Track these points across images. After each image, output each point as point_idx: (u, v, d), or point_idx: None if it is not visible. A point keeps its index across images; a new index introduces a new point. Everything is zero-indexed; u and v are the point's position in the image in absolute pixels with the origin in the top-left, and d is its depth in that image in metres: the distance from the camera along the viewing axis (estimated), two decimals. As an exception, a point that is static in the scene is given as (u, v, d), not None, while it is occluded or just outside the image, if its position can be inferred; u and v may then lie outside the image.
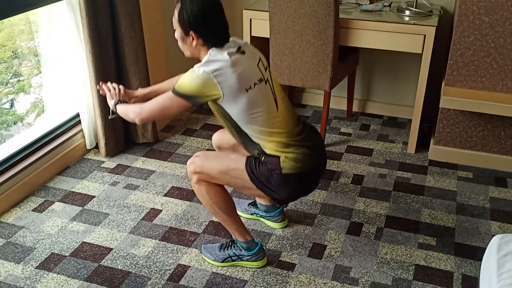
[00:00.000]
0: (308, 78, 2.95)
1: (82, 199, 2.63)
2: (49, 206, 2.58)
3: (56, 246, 2.30)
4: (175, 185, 2.76)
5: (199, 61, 1.90)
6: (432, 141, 3.04)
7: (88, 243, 2.33)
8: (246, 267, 2.20)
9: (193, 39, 1.87)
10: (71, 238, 2.35)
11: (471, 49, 2.68)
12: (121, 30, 2.79)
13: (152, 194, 2.68)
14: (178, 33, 1.91)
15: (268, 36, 2.96)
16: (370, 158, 3.02)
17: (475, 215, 2.52)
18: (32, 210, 2.54)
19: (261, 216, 2.45)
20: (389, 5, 3.08)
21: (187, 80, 1.83)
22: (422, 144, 3.12)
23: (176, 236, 2.38)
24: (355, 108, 3.61)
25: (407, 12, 2.93)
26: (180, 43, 1.94)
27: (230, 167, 1.98)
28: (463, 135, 2.91)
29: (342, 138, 3.26)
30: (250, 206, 2.48)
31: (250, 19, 3.08)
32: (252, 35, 3.11)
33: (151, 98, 2.01)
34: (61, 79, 2.96)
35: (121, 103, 2.10)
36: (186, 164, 2.93)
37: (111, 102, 2.12)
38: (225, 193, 2.08)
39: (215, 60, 1.82)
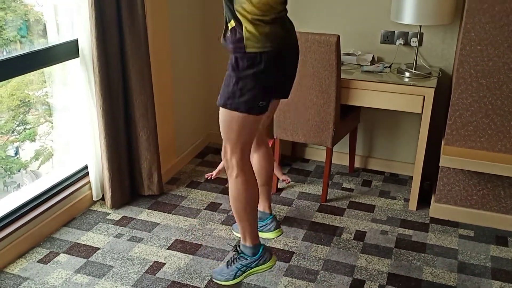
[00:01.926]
0: (310, 135, 3.04)
1: (87, 251, 2.66)
2: (54, 257, 2.60)
3: (60, 298, 2.32)
4: (179, 238, 2.79)
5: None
6: (433, 199, 3.08)
7: (91, 296, 2.34)
8: (259, 274, 2.21)
9: None
10: (74, 291, 2.37)
11: (469, 110, 2.76)
12: (131, 86, 2.90)
13: (155, 247, 2.71)
14: None
15: (273, 94, 3.06)
16: (372, 214, 3.06)
17: (476, 274, 2.53)
18: (37, 261, 2.57)
19: None
20: (390, 67, 3.20)
21: None
22: (423, 201, 3.16)
23: (179, 290, 2.39)
24: (357, 164, 3.67)
25: (407, 74, 3.04)
26: None
27: (234, 124, 2.05)
28: (463, 193, 2.95)
29: (344, 193, 3.31)
30: None
31: (256, 78, 3.19)
32: (257, 92, 3.21)
33: None
34: (70, 131, 3.05)
35: None
36: (189, 217, 2.98)
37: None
38: (258, 193, 2.16)
39: None
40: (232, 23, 1.97)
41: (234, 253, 2.25)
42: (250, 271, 2.21)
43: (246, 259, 2.19)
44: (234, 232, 2.71)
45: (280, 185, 3.33)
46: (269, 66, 1.97)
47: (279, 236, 2.45)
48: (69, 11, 2.73)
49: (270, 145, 2.82)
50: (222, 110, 2.06)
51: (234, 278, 2.21)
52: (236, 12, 1.94)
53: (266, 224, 2.45)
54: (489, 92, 2.70)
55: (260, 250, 2.19)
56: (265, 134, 2.47)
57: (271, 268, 2.23)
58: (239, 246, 2.25)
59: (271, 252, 2.23)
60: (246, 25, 1.92)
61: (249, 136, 2.09)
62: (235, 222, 2.83)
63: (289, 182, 2.92)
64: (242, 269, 2.20)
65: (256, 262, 2.18)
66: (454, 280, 2.49)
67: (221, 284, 2.26)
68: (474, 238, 2.84)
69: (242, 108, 2.00)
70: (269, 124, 2.46)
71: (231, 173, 2.12)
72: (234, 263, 2.22)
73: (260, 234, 2.44)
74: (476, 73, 2.69)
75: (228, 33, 1.99)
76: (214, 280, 2.28)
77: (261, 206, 2.46)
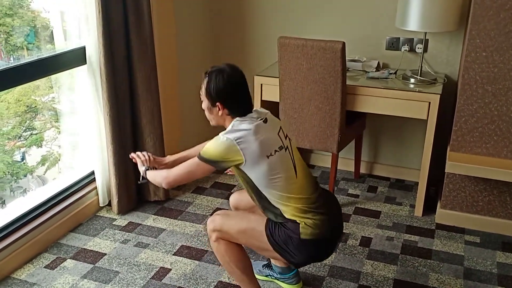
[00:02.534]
0: (316, 141, 3.04)
1: (93, 257, 2.67)
2: (61, 263, 2.62)
3: (67, 304, 2.33)
4: (185, 244, 2.80)
5: (221, 128, 2.02)
6: (439, 205, 3.08)
7: (98, 301, 2.35)
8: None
9: (219, 109, 2.01)
10: (81, 296, 2.38)
11: (475, 116, 2.77)
12: (138, 93, 2.92)
13: (161, 252, 2.72)
14: (205, 104, 2.07)
15: (278, 101, 3.08)
16: (378, 221, 3.06)
17: (483, 281, 2.53)
18: (45, 267, 2.58)
19: (276, 278, 2.47)
20: (395, 73, 3.21)
21: (212, 146, 1.95)
22: (429, 207, 3.16)
23: (185, 296, 2.40)
24: (362, 170, 3.67)
25: (412, 80, 3.05)
26: (207, 113, 2.09)
27: (250, 227, 2.05)
28: (469, 199, 2.95)
29: (350, 199, 3.31)
30: (264, 267, 2.51)
31: (261, 84, 3.21)
32: (263, 99, 3.23)
33: (179, 164, 2.12)
34: (77, 136, 3.07)
35: (150, 169, 2.22)
36: (195, 223, 2.99)
37: (141, 168, 2.23)
38: (243, 253, 2.13)
39: (238, 129, 1.95)
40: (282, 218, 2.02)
41: None
42: None
43: None
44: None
45: None
46: (318, 250, 2.05)
47: None
48: (76, 18, 2.75)
49: None
50: (261, 232, 2.04)
51: None
52: (283, 213, 2.01)
53: (289, 277, 2.45)
54: (494, 98, 2.71)
55: None
56: None
57: None
58: None
59: None
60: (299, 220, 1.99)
61: (246, 244, 2.12)
62: None
63: None
64: None
65: None
66: (460, 287, 2.48)
67: None
68: (480, 244, 2.83)
69: (272, 242, 2.02)
70: None
71: (210, 237, 2.12)
72: None
73: (281, 284, 2.47)
74: (482, 79, 2.69)
75: (280, 222, 2.03)
76: None
77: (278, 262, 2.46)
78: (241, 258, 2.12)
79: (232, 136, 1.92)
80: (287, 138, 2.07)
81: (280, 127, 2.07)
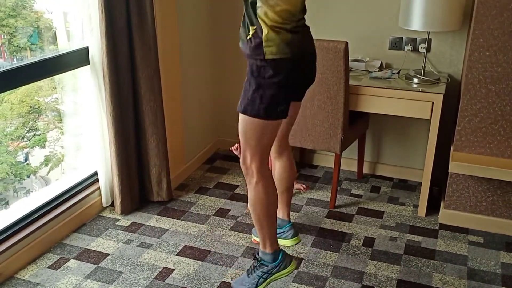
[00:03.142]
0: (319, 141, 3.04)
1: (96, 257, 2.67)
2: (65, 263, 2.62)
3: (70, 304, 2.34)
4: (188, 244, 2.80)
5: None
6: (442, 205, 3.07)
7: (101, 302, 2.36)
8: (281, 280, 2.22)
9: None
10: (84, 297, 2.39)
11: (478, 116, 2.76)
12: (141, 93, 2.93)
13: (165, 253, 2.72)
14: None
15: (281, 101, 3.07)
16: (381, 221, 3.05)
17: (487, 281, 2.52)
18: (48, 267, 2.59)
19: None
20: (398, 73, 3.20)
21: None
22: (432, 208, 3.15)
23: (188, 296, 2.40)
24: (365, 170, 3.67)
25: (415, 80, 3.05)
26: None
27: (253, 128, 2.06)
28: (472, 199, 2.94)
29: (353, 200, 3.31)
30: None
31: (264, 84, 3.20)
32: (266, 99, 3.22)
33: None
34: (80, 137, 3.08)
35: None
36: (198, 223, 2.99)
37: None
38: (277, 199, 2.18)
39: None
40: (253, 29, 1.98)
41: (254, 261, 2.25)
42: (272, 277, 2.21)
43: (267, 266, 2.19)
44: (254, 237, 2.71)
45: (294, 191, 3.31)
46: (288, 73, 1.99)
47: (296, 244, 2.45)
48: (78, 19, 2.76)
49: None
50: (242, 117, 2.07)
51: (256, 287, 2.21)
52: (258, 18, 1.95)
53: (284, 231, 2.45)
54: (498, 98, 2.70)
55: (280, 256, 2.19)
56: (286, 141, 2.47)
57: (291, 272, 2.23)
58: (258, 254, 2.25)
59: (290, 257, 2.24)
60: (266, 31, 1.94)
61: (268, 142, 2.11)
62: (253, 227, 2.84)
63: (305, 190, 2.89)
64: (263, 277, 2.20)
65: (277, 268, 2.19)
66: (464, 287, 2.48)
67: None
68: (484, 244, 2.83)
69: (262, 114, 2.01)
70: (290, 132, 2.47)
71: (250, 179, 2.13)
72: (254, 271, 2.22)
73: (279, 242, 2.45)
74: (485, 79, 2.69)
75: (248, 38, 2.00)
76: None
77: (280, 213, 2.46)
78: (277, 202, 2.16)
79: None
80: None
81: None
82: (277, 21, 1.94)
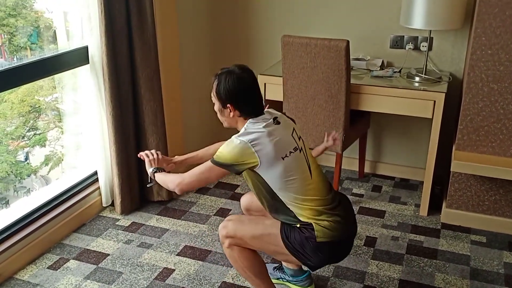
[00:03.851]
0: (320, 140, 3.01)
1: (96, 257, 2.66)
2: (64, 263, 2.61)
3: (70, 305, 2.32)
4: (188, 244, 2.78)
5: (235, 131, 1.99)
6: (444, 204, 3.05)
7: (101, 302, 2.34)
8: (283, 281, 2.21)
9: (230, 111, 1.97)
10: (84, 297, 2.37)
11: (480, 115, 2.74)
12: (141, 93, 2.91)
13: (165, 253, 2.71)
14: (216, 106, 2.03)
15: (282, 100, 3.06)
16: (383, 220, 3.03)
17: (489, 281, 2.50)
18: (47, 268, 2.57)
19: (287, 281, 2.44)
20: (399, 71, 3.19)
21: (226, 150, 1.91)
22: (434, 207, 3.13)
23: (189, 297, 2.38)
24: (366, 169, 3.65)
25: (417, 79, 3.03)
26: (219, 115, 2.05)
27: (265, 232, 2.02)
28: (475, 199, 2.92)
29: (354, 199, 3.29)
30: (276, 270, 2.48)
31: (265, 84, 3.19)
32: (266, 98, 3.21)
33: (188, 164, 2.07)
34: (80, 136, 3.07)
35: (159, 171, 2.16)
36: (199, 223, 2.98)
37: (149, 170, 2.18)
38: (258, 258, 2.10)
39: (252, 131, 1.92)
40: (296, 222, 1.99)
41: None
42: None
43: None
44: None
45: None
46: (332, 255, 2.04)
47: None
48: (78, 18, 2.74)
49: None
50: (276, 235, 2.01)
51: None
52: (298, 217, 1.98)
53: (301, 280, 2.42)
54: (500, 97, 2.68)
55: None
56: None
57: None
58: None
59: None
60: (311, 223, 1.96)
61: (259, 246, 2.08)
62: None
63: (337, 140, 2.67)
64: None
65: None
66: (466, 287, 2.46)
67: None
68: (487, 244, 2.81)
69: (288, 246, 2.00)
70: None
71: (222, 243, 2.09)
72: None
73: (293, 287, 2.44)
74: (487, 77, 2.67)
75: (298, 227, 1.99)
76: None
77: (290, 265, 2.43)
78: (255, 263, 2.09)
79: (246, 139, 1.89)
80: (301, 140, 2.04)
81: (294, 128, 2.04)
82: (313, 214, 1.96)
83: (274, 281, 2.45)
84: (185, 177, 2.02)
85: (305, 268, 2.45)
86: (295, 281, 2.42)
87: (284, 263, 2.44)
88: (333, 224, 1.96)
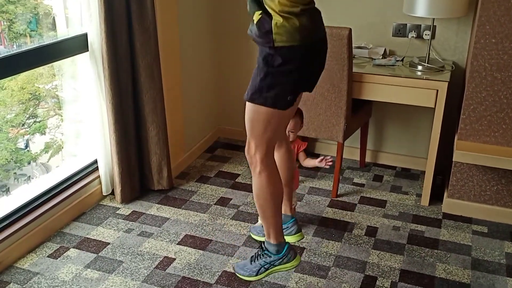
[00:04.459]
0: (321, 130, 3.00)
1: (96, 246, 2.65)
2: (64, 252, 2.60)
3: (70, 293, 2.32)
4: (189, 233, 2.77)
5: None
6: (445, 194, 3.04)
7: (101, 291, 2.34)
8: (282, 272, 2.21)
9: None
10: (85, 286, 2.36)
11: (483, 104, 2.72)
12: (140, 81, 2.89)
13: (165, 242, 2.70)
14: None
15: (283, 88, 3.03)
16: (384, 210, 3.02)
17: (491, 271, 2.50)
18: (48, 256, 2.57)
19: None
20: (402, 60, 3.16)
21: None
22: (436, 197, 3.12)
23: (189, 286, 2.38)
24: (368, 159, 3.63)
25: (420, 67, 3.00)
26: None
27: (258, 118, 2.00)
28: (477, 189, 2.91)
29: (355, 188, 3.28)
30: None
31: (266, 72, 3.16)
32: (268, 86, 3.18)
33: None
34: (80, 125, 3.05)
35: None
36: (199, 212, 2.97)
37: None
38: (282, 188, 2.13)
39: None
40: (257, 15, 1.90)
41: (259, 249, 2.23)
42: (273, 269, 2.18)
43: (270, 257, 2.16)
44: (252, 235, 2.66)
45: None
46: (299, 61, 1.92)
47: (299, 240, 2.40)
48: (78, 5, 2.71)
49: (304, 147, 2.78)
50: (248, 105, 2.01)
51: (256, 275, 2.19)
52: (264, 3, 1.88)
53: (287, 227, 2.40)
54: (504, 86, 2.65)
55: (285, 249, 2.16)
56: (284, 133, 2.41)
57: (294, 267, 2.20)
58: (263, 243, 2.22)
59: (295, 251, 2.20)
60: (275, 17, 1.85)
61: (275, 132, 2.04)
62: (254, 223, 2.81)
63: (329, 162, 2.71)
64: (265, 266, 2.17)
65: (280, 260, 2.16)
66: (468, 277, 2.45)
67: (241, 278, 2.24)
68: (488, 234, 2.80)
69: (269, 103, 1.95)
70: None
71: (254, 169, 2.08)
72: (257, 260, 2.19)
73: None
74: (491, 66, 2.64)
75: (254, 25, 1.92)
76: (236, 273, 2.26)
77: (282, 208, 2.42)
78: (281, 193, 2.12)
79: None
80: None
81: None
82: (285, 5, 1.84)
83: (262, 239, 2.40)
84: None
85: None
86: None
87: None
88: (299, 24, 1.86)
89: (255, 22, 1.92)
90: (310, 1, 1.95)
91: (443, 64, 3.06)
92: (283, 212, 2.39)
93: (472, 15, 3.07)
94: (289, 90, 1.96)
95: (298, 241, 2.40)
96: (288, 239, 2.39)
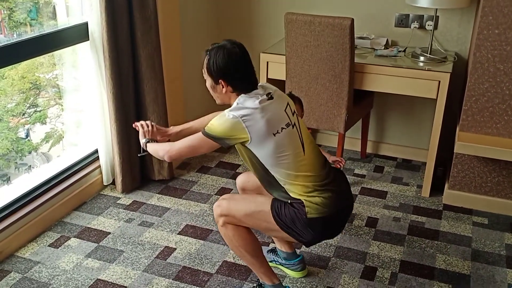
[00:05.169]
0: (323, 120, 3.00)
1: (97, 235, 2.66)
2: (65, 241, 2.61)
3: (71, 282, 2.32)
4: (189, 223, 2.78)
5: (228, 106, 1.96)
6: (446, 185, 3.04)
7: (102, 280, 2.34)
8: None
9: (222, 86, 1.95)
10: (86, 275, 2.37)
11: (485, 96, 2.71)
12: (141, 71, 2.87)
13: (166, 232, 2.70)
14: (208, 83, 2.01)
15: (284, 79, 3.02)
16: (384, 201, 3.02)
17: (491, 263, 2.50)
18: (48, 246, 2.57)
19: (280, 264, 2.43)
20: (404, 51, 3.14)
21: (217, 123, 1.90)
22: (437, 188, 3.12)
23: (190, 276, 2.38)
24: (369, 150, 3.63)
25: (422, 58, 2.98)
26: (211, 91, 2.03)
27: (256, 210, 2.01)
28: (477, 180, 2.91)
29: (356, 179, 3.27)
30: (269, 253, 2.47)
31: (267, 62, 3.15)
32: (269, 77, 3.17)
33: (183, 136, 2.08)
34: (80, 115, 3.04)
35: (152, 141, 2.18)
36: (200, 202, 2.97)
37: (142, 140, 2.18)
38: (252, 236, 2.09)
39: (244, 106, 1.89)
40: (287, 198, 1.98)
41: (257, 285, 2.23)
42: None
43: None
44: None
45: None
46: (324, 230, 2.01)
47: (303, 276, 2.41)
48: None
49: None
50: (267, 212, 2.00)
51: None
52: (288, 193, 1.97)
53: (293, 264, 2.40)
54: (506, 77, 2.64)
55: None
56: None
57: None
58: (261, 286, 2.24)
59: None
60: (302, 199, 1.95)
61: (253, 225, 2.06)
62: None
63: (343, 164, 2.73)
64: None
65: None
66: (467, 268, 2.46)
67: None
68: (489, 225, 2.80)
69: (303, 238, 1.99)
70: None
71: (217, 222, 2.07)
72: None
73: (285, 270, 2.42)
74: (494, 57, 2.63)
75: (289, 203, 1.98)
76: None
77: (283, 247, 2.42)
78: (249, 241, 2.08)
79: (237, 114, 1.86)
80: (295, 115, 2.01)
81: (288, 103, 2.01)
82: (304, 191, 1.94)
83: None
84: (175, 145, 2.03)
85: (299, 250, 2.46)
86: (287, 265, 2.40)
87: (277, 246, 2.42)
88: (325, 200, 1.94)
89: (288, 201, 1.99)
90: (325, 176, 2.01)
91: (446, 55, 3.04)
92: (284, 250, 2.38)
93: (475, 5, 3.05)
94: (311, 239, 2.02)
95: (300, 277, 2.41)
96: (292, 274, 2.40)
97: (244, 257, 2.11)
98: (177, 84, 3.30)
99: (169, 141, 2.22)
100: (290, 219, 1.95)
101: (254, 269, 2.16)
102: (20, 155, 3.13)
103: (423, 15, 3.18)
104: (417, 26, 3.20)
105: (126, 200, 2.99)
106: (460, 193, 2.96)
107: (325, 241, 2.62)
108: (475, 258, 2.53)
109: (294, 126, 1.97)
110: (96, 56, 2.75)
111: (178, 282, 2.34)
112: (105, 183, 3.07)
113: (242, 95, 1.93)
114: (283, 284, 2.19)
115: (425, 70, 2.86)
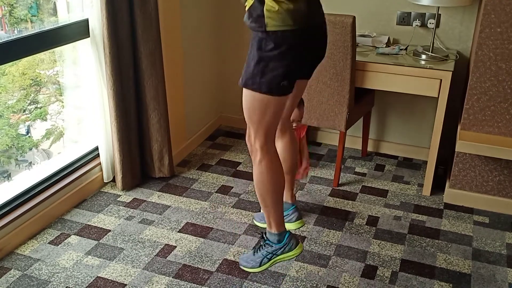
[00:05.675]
0: (324, 119, 2.99)
1: (97, 233, 2.65)
2: (65, 239, 2.60)
3: (71, 280, 2.32)
4: (190, 221, 2.77)
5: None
6: (447, 184, 3.03)
7: (102, 278, 2.34)
8: (285, 262, 2.23)
9: None
10: (86, 272, 2.37)
11: (487, 95, 2.70)
12: (142, 68, 2.87)
13: (166, 229, 2.70)
14: None
15: (286, 76, 3.01)
16: (385, 200, 3.02)
17: (492, 262, 2.49)
18: (49, 243, 2.57)
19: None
20: (406, 49, 3.13)
21: None
22: (438, 187, 3.11)
23: (190, 274, 2.38)
24: (370, 148, 3.62)
25: (423, 56, 2.97)
26: None
27: (254, 104, 1.98)
28: (479, 179, 2.90)
29: (357, 178, 3.27)
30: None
31: (269, 59, 3.14)
32: (270, 74, 3.16)
33: None
34: (81, 112, 3.03)
35: None
36: (200, 200, 2.96)
37: None
38: (283, 179, 2.11)
39: None
40: (250, 1, 1.87)
41: (260, 239, 2.23)
42: (276, 258, 2.18)
43: (272, 246, 2.16)
44: (255, 222, 2.67)
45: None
46: (292, 46, 1.88)
47: (300, 227, 2.40)
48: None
49: (304, 133, 2.76)
50: (245, 92, 1.99)
51: (260, 266, 2.19)
52: None
53: (288, 214, 2.40)
54: (508, 76, 2.63)
55: (286, 237, 2.15)
56: (289, 120, 2.39)
57: (297, 255, 2.20)
58: (265, 233, 2.22)
59: (297, 240, 2.20)
60: (267, 1, 1.83)
61: (273, 119, 2.01)
62: (255, 211, 2.81)
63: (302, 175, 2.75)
64: (268, 257, 2.17)
65: (282, 249, 2.15)
66: (468, 268, 2.45)
67: (246, 270, 2.24)
68: (489, 224, 2.79)
69: (264, 89, 1.92)
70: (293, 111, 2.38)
71: (254, 157, 2.06)
72: (260, 250, 2.19)
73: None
74: (496, 56, 2.62)
75: (247, 9, 1.90)
76: (240, 266, 2.26)
77: (283, 196, 2.41)
78: (282, 182, 2.10)
79: None
80: None
81: None
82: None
83: (264, 225, 2.43)
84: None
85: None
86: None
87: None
88: (291, 10, 1.82)
89: (247, 7, 1.89)
90: None
91: (447, 53, 3.03)
92: (284, 200, 2.38)
93: (477, 4, 3.03)
94: (282, 75, 1.91)
95: (298, 228, 2.40)
96: (289, 226, 2.39)
97: (269, 196, 2.08)
98: (178, 81, 3.29)
99: None
100: (256, 50, 1.88)
101: (272, 211, 2.12)
102: (21, 151, 3.13)
103: (425, 13, 3.17)
104: (419, 24, 3.19)
105: (127, 197, 2.99)
106: (461, 192, 2.96)
107: (325, 239, 2.62)
108: (476, 257, 2.53)
109: None
110: (96, 53, 2.74)
111: (178, 280, 2.33)
112: (105, 181, 3.06)
113: None
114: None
115: (427, 68, 2.85)
